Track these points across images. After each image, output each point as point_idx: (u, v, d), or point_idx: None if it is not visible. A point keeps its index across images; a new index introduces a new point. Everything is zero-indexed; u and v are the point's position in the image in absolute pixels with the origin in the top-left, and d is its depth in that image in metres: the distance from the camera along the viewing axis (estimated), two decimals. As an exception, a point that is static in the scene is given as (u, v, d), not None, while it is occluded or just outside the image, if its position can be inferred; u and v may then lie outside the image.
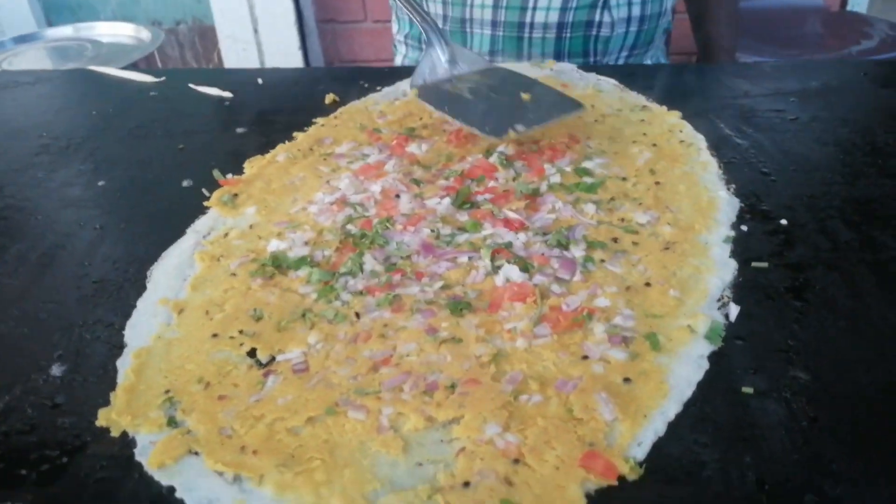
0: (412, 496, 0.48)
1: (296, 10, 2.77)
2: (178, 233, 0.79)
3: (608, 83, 1.17)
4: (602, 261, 0.72)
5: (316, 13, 2.74)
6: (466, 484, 0.49)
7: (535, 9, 1.34)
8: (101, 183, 0.91)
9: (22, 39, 2.34)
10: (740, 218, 0.80)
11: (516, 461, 0.50)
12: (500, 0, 1.35)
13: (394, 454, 0.51)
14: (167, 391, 0.57)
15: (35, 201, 0.87)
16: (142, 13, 2.96)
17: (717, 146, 0.95)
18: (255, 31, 3.28)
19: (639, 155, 0.92)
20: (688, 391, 0.57)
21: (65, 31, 2.44)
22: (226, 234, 0.79)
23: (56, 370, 0.60)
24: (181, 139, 1.02)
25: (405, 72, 1.23)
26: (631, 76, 1.18)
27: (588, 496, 0.48)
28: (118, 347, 0.63)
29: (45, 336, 0.65)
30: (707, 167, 0.90)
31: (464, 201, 0.81)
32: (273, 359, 0.61)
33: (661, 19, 1.43)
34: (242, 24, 3.17)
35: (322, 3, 2.71)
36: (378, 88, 1.18)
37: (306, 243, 0.75)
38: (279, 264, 0.72)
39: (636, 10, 1.37)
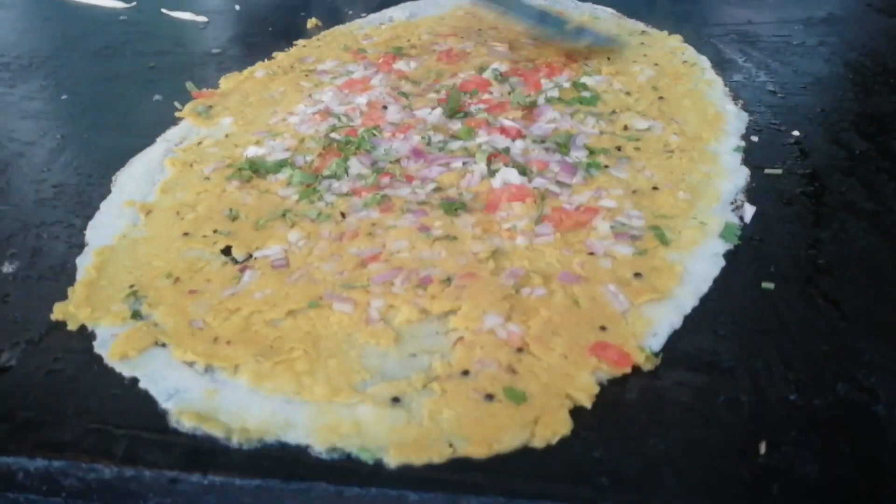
0: (405, 385, 0.43)
1: None
2: (147, 142, 0.73)
3: (605, 11, 1.11)
4: (606, 166, 0.67)
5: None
6: (465, 372, 0.44)
7: None
8: (63, 97, 0.85)
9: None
10: (750, 130, 0.75)
11: (520, 350, 0.46)
12: None
13: (384, 345, 0.46)
14: (132, 286, 0.52)
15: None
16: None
17: (722, 67, 0.90)
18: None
19: (640, 73, 0.87)
20: (704, 286, 0.52)
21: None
22: (199, 143, 0.73)
23: (8, 268, 0.55)
24: (152, 59, 0.95)
25: (391, 1, 1.17)
26: (627, 5, 1.12)
27: (600, 385, 0.44)
28: (78, 247, 0.57)
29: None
30: (712, 84, 0.85)
31: (456, 111, 0.76)
32: (250, 256, 0.55)
33: None
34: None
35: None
36: (363, 15, 1.11)
37: (287, 150, 0.70)
38: (257, 168, 0.66)
39: None
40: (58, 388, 0.44)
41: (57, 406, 0.43)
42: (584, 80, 0.85)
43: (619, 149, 0.70)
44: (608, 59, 0.92)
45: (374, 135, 0.72)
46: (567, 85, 0.83)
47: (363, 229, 0.58)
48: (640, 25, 1.05)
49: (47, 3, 1.23)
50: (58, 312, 0.49)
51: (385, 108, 0.78)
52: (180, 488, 0.39)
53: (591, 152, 0.69)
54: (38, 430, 0.41)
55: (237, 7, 1.15)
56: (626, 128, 0.74)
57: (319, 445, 0.40)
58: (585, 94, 0.81)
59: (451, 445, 0.40)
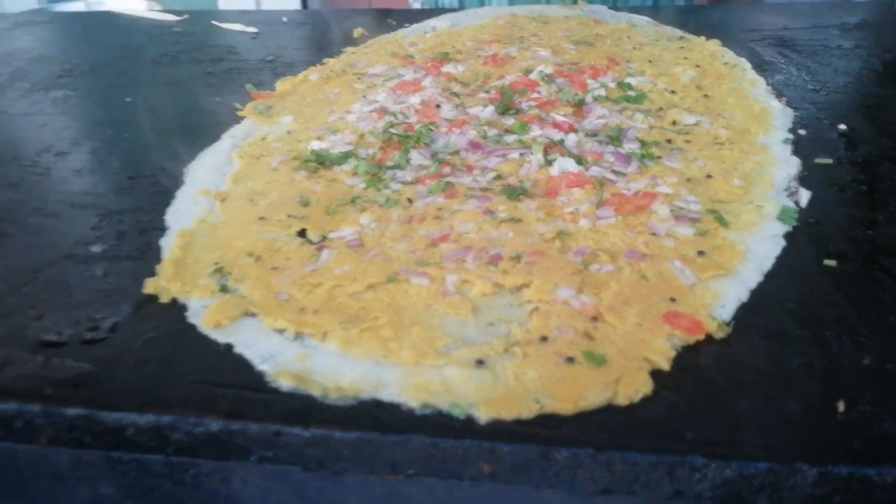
0: (487, 349, 0.45)
1: (301, 3, 2.66)
2: (212, 139, 0.76)
3: (641, 19, 1.14)
4: (658, 157, 0.69)
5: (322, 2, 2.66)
6: (544, 338, 0.46)
7: None
8: (128, 99, 0.88)
9: (36, 13, 2.31)
10: (796, 125, 0.77)
11: (594, 319, 0.47)
12: None
13: (462, 315, 0.48)
14: (216, 264, 0.54)
15: (63, 114, 0.84)
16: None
17: (762, 68, 0.92)
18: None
19: (682, 74, 0.89)
20: (766, 263, 0.54)
21: (76, 5, 2.41)
22: (263, 139, 0.76)
23: (97, 248, 0.57)
24: (208, 66, 0.99)
25: (433, 12, 1.21)
26: (662, 15, 1.15)
27: (675, 351, 0.45)
28: (159, 230, 0.60)
29: (83, 220, 0.62)
30: (755, 84, 0.87)
31: (508, 108, 0.78)
32: (324, 238, 0.58)
33: None
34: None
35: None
36: (406, 25, 1.15)
37: (348, 144, 0.72)
38: (322, 160, 0.69)
39: None
40: (157, 353, 0.46)
41: (158, 368, 0.45)
42: (629, 80, 0.87)
43: (669, 141, 0.72)
44: (649, 62, 0.94)
45: (431, 130, 0.74)
46: (612, 85, 0.86)
47: (430, 213, 0.60)
48: (678, 32, 1.08)
49: (102, 17, 1.28)
50: (149, 287, 0.52)
51: (438, 106, 0.80)
52: (283, 441, 0.41)
53: (644, 144, 0.71)
54: (143, 391, 0.43)
55: (284, 19, 1.19)
56: (674, 123, 0.76)
57: (412, 402, 0.42)
58: (631, 93, 0.84)
59: (537, 402, 0.41)
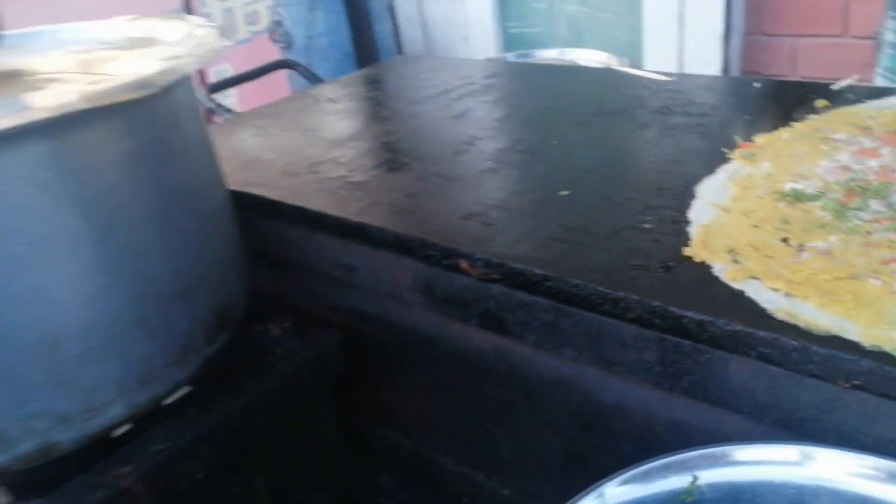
0: (920, 328, 0.69)
1: (723, 57, 2.84)
2: (708, 172, 1.09)
3: None
4: None
5: (742, 64, 2.80)
6: (968, 332, 0.68)
7: None
8: (645, 136, 1.26)
9: (522, 56, 2.98)
10: None
11: None
12: None
13: (905, 309, 0.72)
14: (728, 247, 0.86)
15: (601, 141, 1.26)
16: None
17: None
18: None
19: None
20: None
21: (551, 53, 3.02)
22: (748, 176, 1.06)
23: (647, 225, 0.94)
24: (697, 118, 1.33)
25: (885, 91, 1.38)
26: None
27: None
28: (685, 223, 0.94)
29: (634, 209, 0.99)
30: None
31: (962, 180, 0.96)
32: (802, 245, 0.86)
33: None
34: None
35: (750, 58, 2.74)
36: (863, 101, 1.35)
37: (816, 189, 0.99)
38: (797, 196, 0.97)
39: None
40: (689, 283, 0.80)
41: (694, 292, 0.78)
42: None
43: None
44: None
45: (888, 187, 0.96)
46: None
47: (884, 244, 0.84)
48: None
49: (608, 73, 1.72)
50: (688, 252, 0.86)
51: (894, 171, 1.02)
52: (778, 343, 0.70)
53: None
54: (688, 303, 0.77)
55: (756, 84, 1.48)
56: None
57: (866, 342, 0.68)
58: None
59: (957, 362, 0.64)
